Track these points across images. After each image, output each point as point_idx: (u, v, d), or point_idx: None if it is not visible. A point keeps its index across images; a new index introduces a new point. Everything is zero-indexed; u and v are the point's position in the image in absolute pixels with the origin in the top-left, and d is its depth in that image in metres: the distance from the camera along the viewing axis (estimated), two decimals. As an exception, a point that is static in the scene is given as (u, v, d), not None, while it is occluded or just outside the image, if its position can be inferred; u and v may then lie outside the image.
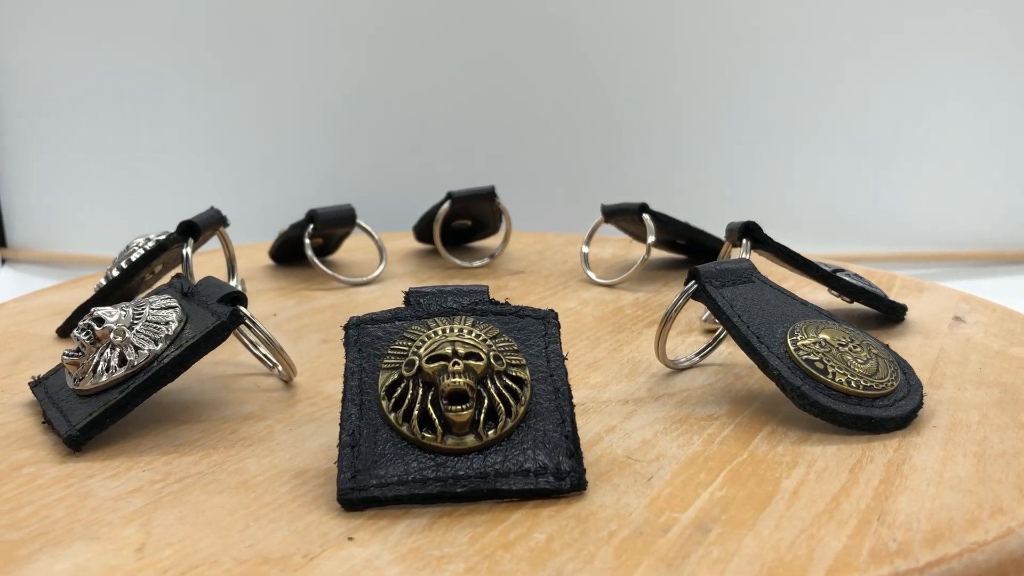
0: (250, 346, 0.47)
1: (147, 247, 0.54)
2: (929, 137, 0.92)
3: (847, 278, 0.54)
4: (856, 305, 0.56)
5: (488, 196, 0.72)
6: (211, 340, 0.40)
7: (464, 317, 0.37)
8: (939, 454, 0.36)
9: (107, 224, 0.97)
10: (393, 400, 0.34)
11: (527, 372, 0.36)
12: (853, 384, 0.39)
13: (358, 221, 0.70)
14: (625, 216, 0.68)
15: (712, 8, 0.92)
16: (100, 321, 0.41)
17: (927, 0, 0.89)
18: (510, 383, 0.35)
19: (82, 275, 0.72)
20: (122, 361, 0.40)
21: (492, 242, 0.81)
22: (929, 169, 0.93)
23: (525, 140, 0.98)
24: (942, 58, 0.91)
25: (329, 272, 0.66)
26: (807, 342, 0.40)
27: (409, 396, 0.34)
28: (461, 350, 0.34)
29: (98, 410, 0.38)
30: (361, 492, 0.32)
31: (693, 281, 0.44)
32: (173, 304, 0.43)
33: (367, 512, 0.33)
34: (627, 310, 0.60)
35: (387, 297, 0.64)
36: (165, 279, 0.62)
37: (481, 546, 0.30)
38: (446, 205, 0.70)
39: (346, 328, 0.37)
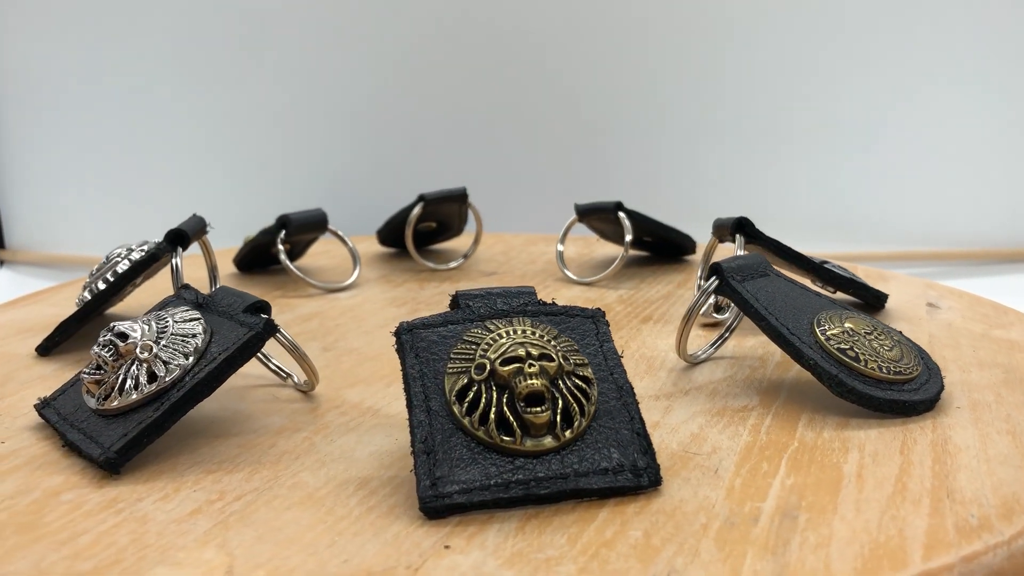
0: (263, 357, 0.46)
1: (132, 257, 0.51)
2: (928, 136, 0.92)
3: (834, 269, 0.56)
4: (838, 295, 0.59)
5: (460, 198, 0.71)
6: (247, 352, 0.39)
7: (521, 319, 0.37)
8: (974, 433, 0.38)
9: (105, 225, 0.97)
10: (466, 404, 0.34)
11: (591, 371, 0.36)
12: (884, 370, 0.41)
13: (330, 226, 0.69)
14: (599, 215, 0.69)
15: (710, 5, 0.92)
16: (124, 336, 0.39)
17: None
18: (579, 383, 0.35)
19: (69, 279, 0.68)
20: (151, 377, 0.38)
21: (454, 244, 0.81)
22: (928, 168, 0.93)
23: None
24: (941, 57, 0.90)
25: (306, 279, 0.65)
26: (836, 331, 0.42)
27: (484, 400, 0.34)
28: (534, 352, 0.34)
29: (134, 430, 0.36)
30: (444, 499, 0.32)
31: (714, 277, 0.45)
32: (196, 316, 0.41)
33: (451, 519, 0.32)
34: (616, 307, 0.61)
35: (370, 303, 0.63)
36: (138, 290, 0.59)
37: (582, 546, 0.30)
38: (418, 207, 0.69)
39: (398, 334, 0.37)
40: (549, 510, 0.33)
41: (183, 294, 0.45)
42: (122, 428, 0.37)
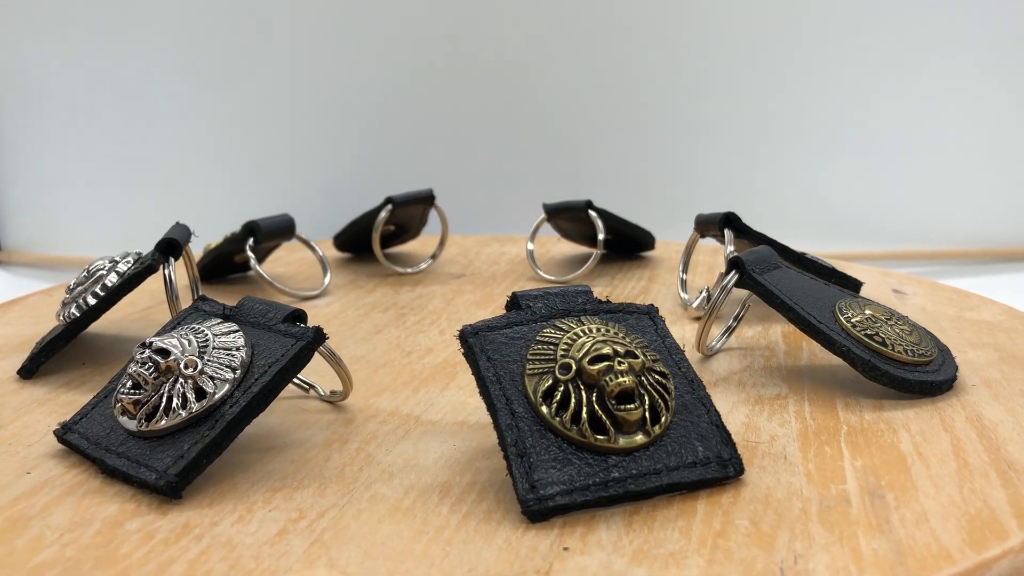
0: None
1: (120, 270, 0.48)
2: (927, 135, 0.92)
3: (814, 259, 0.59)
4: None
5: (427, 199, 0.70)
6: (299, 363, 0.37)
7: (589, 317, 0.37)
8: (1000, 408, 0.41)
9: (102, 226, 0.97)
10: (555, 405, 0.34)
11: (663, 366, 0.36)
12: (909, 353, 0.43)
13: (297, 232, 0.66)
14: (568, 214, 0.70)
15: (709, 4, 0.92)
16: (165, 353, 0.37)
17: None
18: (659, 378, 0.35)
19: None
20: (199, 394, 0.36)
21: (408, 247, 0.80)
22: (927, 167, 0.93)
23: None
24: (940, 56, 0.90)
25: (279, 287, 0.62)
26: (859, 318, 0.44)
27: (573, 399, 0.34)
28: (620, 349, 0.34)
29: (191, 451, 0.34)
30: (547, 502, 0.32)
31: (734, 271, 0.47)
32: (235, 329, 0.39)
33: (554, 521, 0.32)
34: (601, 304, 0.61)
35: (352, 309, 0.61)
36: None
37: (698, 539, 0.31)
38: (387, 210, 0.68)
39: (464, 338, 0.36)
40: (647, 506, 0.33)
41: (203, 306, 0.42)
42: (175, 449, 0.35)
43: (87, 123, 0.95)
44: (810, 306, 0.45)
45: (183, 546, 0.31)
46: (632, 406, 0.33)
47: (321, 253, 0.67)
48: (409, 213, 0.72)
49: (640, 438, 0.34)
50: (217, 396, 0.36)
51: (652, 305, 0.40)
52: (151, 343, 0.37)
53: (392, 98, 0.95)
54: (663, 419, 0.34)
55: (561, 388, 0.34)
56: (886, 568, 0.28)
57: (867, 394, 0.43)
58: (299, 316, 0.40)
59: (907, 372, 0.42)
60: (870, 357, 0.42)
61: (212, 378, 0.36)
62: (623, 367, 0.34)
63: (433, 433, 0.40)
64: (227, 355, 0.37)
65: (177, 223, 0.52)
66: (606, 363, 0.34)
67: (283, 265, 0.74)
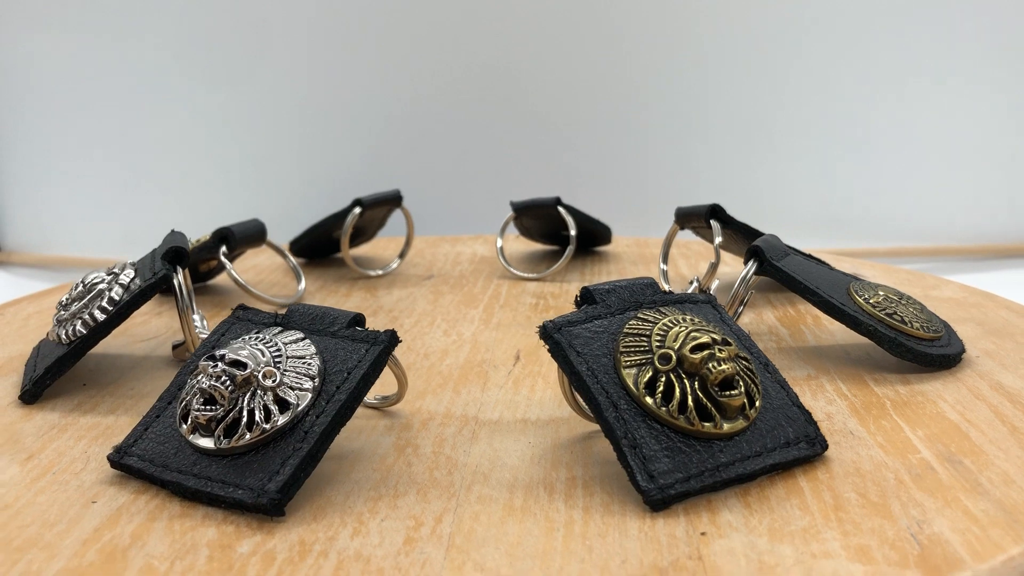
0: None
1: (123, 282, 0.45)
2: (927, 133, 0.93)
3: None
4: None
5: (395, 201, 0.69)
6: (378, 367, 0.36)
7: (669, 308, 0.38)
8: (1012, 375, 0.45)
9: (102, 227, 0.96)
10: (659, 395, 0.34)
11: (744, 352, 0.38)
12: (924, 330, 0.46)
13: (268, 239, 0.64)
14: (535, 211, 0.70)
15: (710, 2, 0.92)
16: (240, 365, 0.35)
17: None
18: (747, 364, 0.36)
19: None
20: (282, 405, 0.35)
21: (362, 250, 0.78)
22: (925, 164, 0.94)
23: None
24: (940, 54, 0.92)
25: (257, 293, 0.60)
26: (877, 299, 0.47)
27: (678, 389, 0.34)
28: (717, 337, 0.35)
29: (288, 465, 0.33)
30: (667, 491, 0.32)
31: (754, 259, 0.49)
32: (301, 336, 0.37)
33: (675, 508, 0.32)
34: (587, 299, 0.62)
35: (338, 313, 0.60)
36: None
37: (820, 514, 0.32)
38: (356, 212, 0.67)
39: (548, 334, 0.36)
40: (753, 487, 0.34)
41: (246, 315, 0.40)
42: (265, 465, 0.33)
43: (87, 124, 0.94)
44: (830, 289, 0.47)
45: (314, 564, 0.29)
46: (735, 392, 0.34)
47: (294, 263, 0.65)
48: (372, 215, 0.70)
49: (740, 423, 0.35)
50: (301, 406, 0.35)
51: (711, 294, 0.41)
52: (223, 356, 0.35)
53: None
54: (757, 403, 0.35)
55: (663, 378, 0.34)
56: (1004, 526, 0.30)
57: (887, 369, 0.46)
58: (360, 321, 0.39)
59: (927, 347, 0.45)
60: (895, 335, 0.45)
61: (292, 388, 0.35)
62: (723, 354, 0.35)
63: (501, 432, 0.40)
64: (303, 364, 0.36)
65: (173, 231, 0.50)
66: (707, 351, 0.35)
67: (241, 272, 0.71)
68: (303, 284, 0.63)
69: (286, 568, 0.29)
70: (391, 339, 0.37)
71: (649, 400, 0.34)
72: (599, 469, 0.36)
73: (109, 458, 0.36)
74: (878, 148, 0.95)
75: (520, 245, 0.81)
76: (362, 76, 0.95)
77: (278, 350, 0.36)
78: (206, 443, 0.34)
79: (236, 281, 0.59)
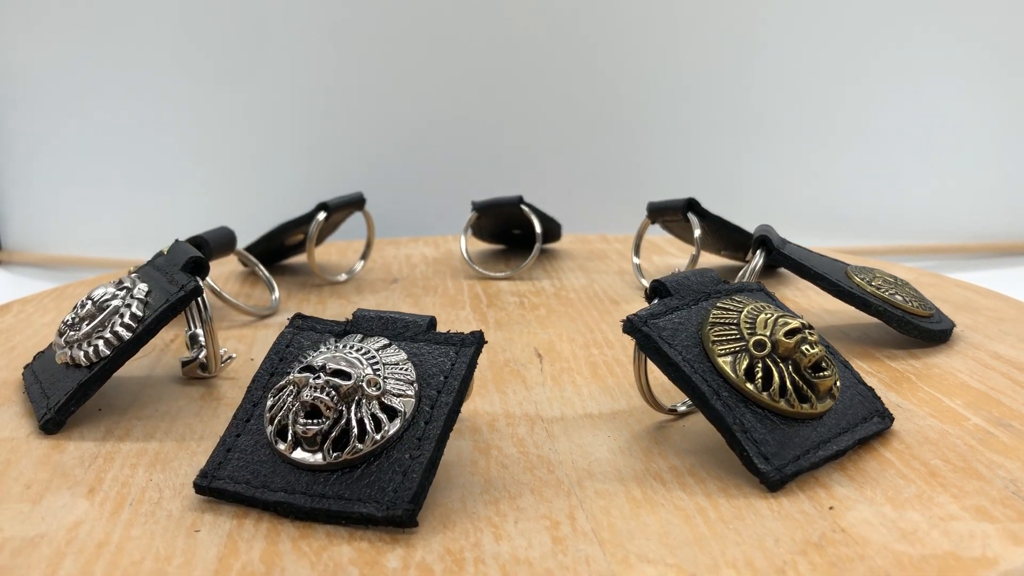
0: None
1: (138, 295, 0.42)
2: (929, 131, 0.93)
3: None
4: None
5: (358, 204, 0.68)
6: (472, 370, 0.36)
7: (741, 296, 0.39)
8: (1004, 345, 0.49)
9: (104, 226, 0.95)
10: (759, 380, 0.36)
11: (808, 335, 0.39)
12: (922, 308, 0.50)
13: (238, 248, 0.61)
14: (497, 210, 0.70)
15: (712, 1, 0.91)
16: (344, 375, 0.34)
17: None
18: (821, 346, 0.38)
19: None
20: (389, 413, 0.34)
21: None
22: (927, 162, 0.94)
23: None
24: (940, 51, 0.92)
25: (237, 304, 0.57)
26: (879, 282, 0.50)
27: (776, 374, 0.36)
28: (804, 321, 0.37)
29: (411, 475, 0.32)
30: (784, 470, 0.34)
31: (761, 249, 0.51)
32: (386, 342, 0.36)
33: (789, 486, 0.34)
34: (568, 295, 0.63)
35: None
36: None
37: (921, 480, 0.34)
38: (321, 217, 0.65)
39: (636, 328, 0.37)
40: (846, 461, 0.36)
41: (308, 324, 0.39)
42: (387, 476, 0.32)
43: (87, 122, 0.93)
44: (833, 274, 0.50)
45: (478, 572, 0.29)
46: (826, 373, 0.36)
47: (266, 275, 0.62)
48: (335, 219, 0.68)
49: (828, 402, 0.37)
50: (408, 413, 0.34)
51: (758, 282, 0.43)
52: (324, 366, 0.34)
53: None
54: (838, 383, 0.37)
55: (760, 364, 0.36)
56: (1085, 478, 0.34)
57: (890, 346, 0.49)
58: (434, 324, 0.38)
59: (928, 324, 0.49)
60: (902, 314, 0.48)
61: (395, 395, 0.34)
62: (814, 338, 0.36)
63: (574, 428, 0.40)
64: (400, 370, 0.35)
65: (176, 240, 0.47)
66: (799, 335, 0.36)
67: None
68: (277, 294, 0.61)
69: (453, 578, 0.28)
70: (479, 340, 0.36)
71: (750, 386, 0.35)
72: (694, 458, 0.37)
73: (196, 484, 0.33)
74: (878, 146, 0.95)
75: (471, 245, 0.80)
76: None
77: (373, 358, 0.35)
78: (314, 458, 0.33)
79: (215, 292, 0.55)
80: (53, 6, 0.90)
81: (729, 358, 0.36)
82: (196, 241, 0.57)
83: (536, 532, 0.31)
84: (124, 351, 0.41)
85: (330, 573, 0.29)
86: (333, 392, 0.33)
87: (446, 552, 0.30)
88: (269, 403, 0.35)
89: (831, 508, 0.32)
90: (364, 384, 0.34)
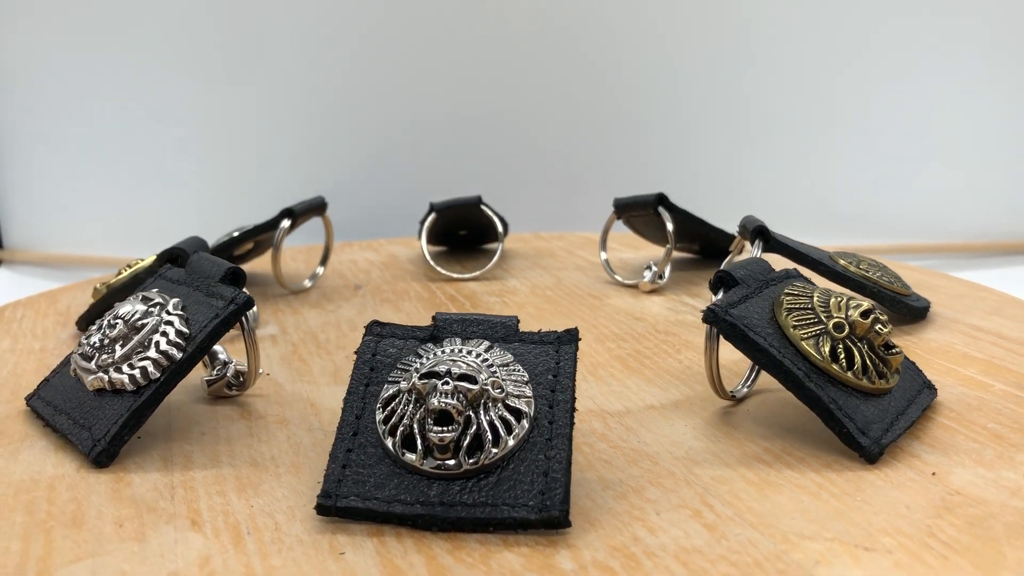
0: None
1: (176, 311, 0.40)
2: (929, 129, 0.92)
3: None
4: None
5: (319, 209, 0.65)
6: (575, 366, 0.36)
7: (798, 282, 0.41)
8: (976, 317, 0.54)
9: (105, 224, 0.93)
10: (842, 361, 0.38)
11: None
12: (904, 289, 0.54)
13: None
14: (458, 210, 0.70)
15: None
16: (471, 379, 0.33)
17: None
18: (875, 325, 0.41)
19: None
20: (516, 415, 0.33)
21: (254, 266, 0.73)
22: (928, 161, 0.93)
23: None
24: (940, 49, 0.90)
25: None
26: (865, 265, 0.54)
27: (856, 354, 0.38)
28: (873, 303, 0.39)
29: (553, 475, 0.32)
30: (880, 442, 0.36)
31: (759, 239, 0.53)
32: (487, 344, 0.36)
33: (884, 458, 0.36)
34: (545, 293, 0.64)
35: (321, 332, 0.56)
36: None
37: (994, 443, 0.37)
38: (286, 224, 0.62)
39: (718, 317, 0.38)
40: (916, 430, 0.39)
41: (390, 331, 0.37)
42: (526, 478, 0.32)
43: (90, 120, 0.91)
44: (825, 260, 0.53)
45: (657, 565, 0.29)
46: (896, 350, 0.39)
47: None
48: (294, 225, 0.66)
49: (896, 378, 0.39)
50: (531, 412, 0.33)
51: (790, 269, 0.45)
52: (448, 371, 0.33)
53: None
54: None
55: (841, 346, 0.38)
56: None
57: (882, 325, 0.53)
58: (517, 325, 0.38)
59: (912, 302, 0.53)
60: (893, 294, 0.52)
61: (517, 397, 0.34)
62: (884, 317, 0.39)
63: (648, 420, 0.41)
64: (513, 371, 0.34)
65: (201, 254, 0.44)
66: (872, 316, 0.39)
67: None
68: (255, 308, 0.58)
69: (656, 572, 0.28)
70: (576, 337, 0.36)
71: (835, 367, 0.37)
72: (780, 440, 0.38)
73: (320, 505, 0.32)
74: (879, 144, 0.94)
75: (413, 248, 0.79)
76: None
77: (486, 360, 0.34)
78: (448, 466, 0.32)
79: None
80: (52, 6, 0.88)
81: (812, 341, 0.38)
82: (175, 252, 0.53)
83: (684, 522, 0.32)
84: (177, 371, 0.38)
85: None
86: (462, 397, 0.32)
87: (612, 549, 0.30)
88: (381, 415, 0.34)
89: (933, 474, 0.35)
90: (489, 387, 0.33)
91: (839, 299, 0.39)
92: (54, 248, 0.94)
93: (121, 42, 0.89)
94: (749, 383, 0.43)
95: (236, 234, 0.63)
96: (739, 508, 0.32)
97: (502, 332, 0.37)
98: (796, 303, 0.39)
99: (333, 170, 0.94)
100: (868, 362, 0.38)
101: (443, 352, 0.35)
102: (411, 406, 0.33)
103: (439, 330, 0.37)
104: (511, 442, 0.32)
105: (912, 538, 0.30)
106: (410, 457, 0.32)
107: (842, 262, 0.53)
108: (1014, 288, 0.62)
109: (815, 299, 0.39)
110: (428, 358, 0.35)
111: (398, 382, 0.34)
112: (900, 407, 0.38)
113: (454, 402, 0.32)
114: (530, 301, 0.61)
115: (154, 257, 0.53)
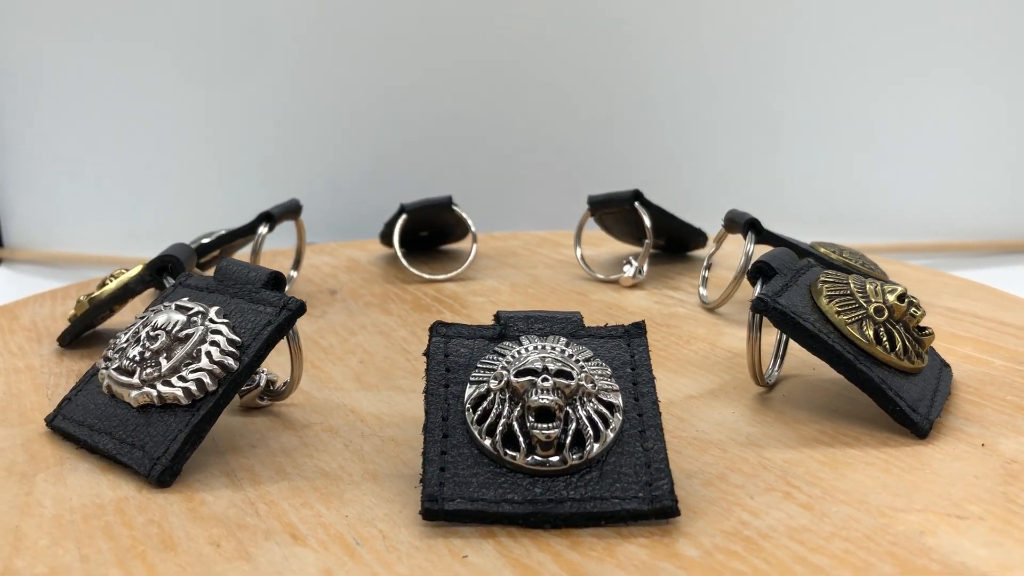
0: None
1: (220, 319, 0.38)
2: (929, 128, 0.92)
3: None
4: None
5: (295, 212, 0.64)
6: (649, 359, 0.37)
7: (816, 269, 0.43)
8: (946, 300, 0.58)
9: (106, 223, 0.93)
10: (886, 343, 0.40)
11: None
12: (882, 276, 0.57)
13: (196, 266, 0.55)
14: (429, 210, 0.69)
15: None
16: (567, 375, 0.33)
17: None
18: (899, 309, 0.43)
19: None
20: (610, 408, 0.34)
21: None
22: (931, 160, 0.92)
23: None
24: (943, 48, 0.90)
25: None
26: (847, 254, 0.57)
27: (898, 336, 0.40)
28: (904, 287, 0.42)
29: (656, 466, 0.32)
30: (929, 417, 0.38)
31: (752, 232, 0.55)
32: (565, 340, 0.36)
33: (932, 432, 0.38)
34: (528, 291, 0.64)
35: (322, 337, 0.54)
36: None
37: (1022, 413, 0.40)
38: (263, 230, 0.60)
39: (768, 307, 0.39)
40: (946, 409, 0.41)
41: (455, 331, 0.37)
42: (628, 470, 0.32)
43: (90, 119, 0.90)
44: (811, 250, 0.56)
45: (776, 547, 0.30)
46: (929, 331, 0.41)
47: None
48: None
49: (927, 358, 0.41)
50: (620, 403, 0.34)
51: (808, 260, 0.47)
52: (545, 368, 0.33)
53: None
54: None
55: (883, 329, 0.40)
56: (1125, 396, 0.41)
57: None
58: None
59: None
60: (877, 277, 0.55)
61: (607, 390, 0.34)
62: (916, 300, 0.41)
63: (694, 409, 0.42)
64: (597, 365, 0.35)
65: (226, 260, 0.42)
66: (907, 300, 0.41)
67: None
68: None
69: (778, 552, 0.29)
70: (642, 330, 0.37)
71: (879, 349, 0.39)
72: (828, 422, 0.40)
73: (427, 510, 0.31)
74: (880, 143, 0.94)
75: (369, 250, 0.78)
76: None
77: (571, 356, 0.34)
78: (552, 463, 0.32)
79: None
80: (53, 5, 0.87)
81: (856, 325, 0.40)
82: (167, 259, 0.51)
83: (780, 503, 0.33)
84: (235, 382, 0.36)
85: (648, 571, 0.28)
86: (560, 393, 0.32)
87: (725, 534, 0.31)
88: (473, 415, 0.33)
89: (983, 445, 0.37)
90: (583, 382, 0.33)
91: (874, 284, 0.41)
92: (54, 247, 0.93)
93: (121, 42, 0.89)
94: (777, 369, 0.45)
95: (205, 241, 0.61)
96: (825, 487, 0.34)
97: (570, 327, 0.37)
98: (836, 290, 0.41)
99: (335, 170, 0.93)
100: (907, 344, 0.40)
101: (527, 350, 0.35)
102: (506, 405, 0.33)
103: (505, 327, 0.37)
104: (610, 435, 0.33)
105: (995, 505, 0.32)
106: (513, 456, 0.32)
107: (823, 250, 0.56)
108: (1014, 288, 0.62)
109: (852, 286, 0.41)
110: (513, 356, 0.34)
111: (485, 381, 0.34)
112: (933, 385, 0.40)
113: (555, 398, 0.32)
114: (517, 300, 0.61)
115: (141, 267, 0.51)
